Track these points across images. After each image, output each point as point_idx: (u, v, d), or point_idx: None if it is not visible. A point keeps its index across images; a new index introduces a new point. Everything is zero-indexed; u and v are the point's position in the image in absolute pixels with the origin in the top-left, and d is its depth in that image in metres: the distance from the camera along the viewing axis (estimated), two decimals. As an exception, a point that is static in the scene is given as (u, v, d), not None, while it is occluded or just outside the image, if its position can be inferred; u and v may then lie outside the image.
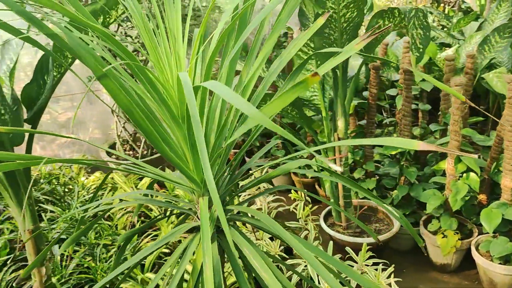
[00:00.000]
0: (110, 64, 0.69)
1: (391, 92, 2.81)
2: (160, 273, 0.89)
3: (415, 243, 2.34)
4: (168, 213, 1.45)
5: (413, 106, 2.66)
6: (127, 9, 0.86)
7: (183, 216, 0.98)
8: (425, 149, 0.57)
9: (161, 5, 0.81)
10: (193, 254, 0.87)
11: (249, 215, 0.89)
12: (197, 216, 0.87)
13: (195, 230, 0.89)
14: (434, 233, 2.13)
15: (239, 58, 1.16)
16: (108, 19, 1.39)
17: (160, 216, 1.44)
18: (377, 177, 2.56)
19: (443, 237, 2.07)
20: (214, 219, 0.77)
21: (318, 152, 2.99)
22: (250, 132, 0.96)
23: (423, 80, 2.73)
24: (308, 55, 1.09)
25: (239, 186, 2.47)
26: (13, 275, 1.84)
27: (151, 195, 2.14)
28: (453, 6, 5.15)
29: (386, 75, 3.06)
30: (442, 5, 5.17)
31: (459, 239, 2.05)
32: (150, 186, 1.25)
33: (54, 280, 1.75)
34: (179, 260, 0.91)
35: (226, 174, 0.91)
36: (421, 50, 1.95)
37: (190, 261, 0.84)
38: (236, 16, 0.68)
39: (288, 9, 0.82)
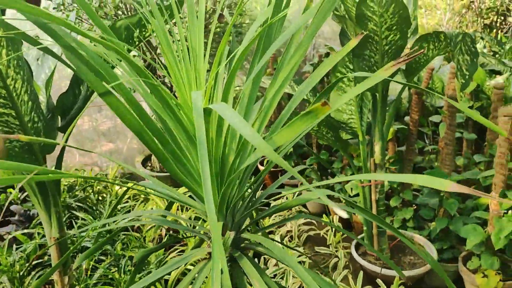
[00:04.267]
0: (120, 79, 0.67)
1: (435, 118, 2.69)
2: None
3: (453, 280, 2.19)
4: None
5: (458, 135, 2.53)
6: (147, 22, 0.84)
7: (200, 239, 0.94)
8: (457, 191, 0.51)
9: (185, 20, 0.79)
10: (206, 277, 0.84)
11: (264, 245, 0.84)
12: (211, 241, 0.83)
13: (209, 255, 0.85)
14: (474, 271, 1.98)
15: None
16: (144, 32, 1.40)
17: (184, 235, 1.41)
18: (415, 207, 2.44)
19: (483, 277, 1.92)
20: (228, 248, 0.73)
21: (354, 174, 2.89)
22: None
23: (470, 107, 2.60)
24: (340, 77, 1.04)
25: (271, 206, 2.41)
26: (38, 281, 1.86)
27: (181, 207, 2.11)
28: (506, 32, 4.94)
29: (430, 101, 2.94)
30: (494, 30, 4.97)
31: (501, 280, 1.89)
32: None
33: (77, 289, 1.76)
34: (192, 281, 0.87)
35: (244, 198, 0.87)
36: (467, 77, 1.85)
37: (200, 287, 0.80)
38: (258, 33, 0.65)
39: (311, 30, 0.77)
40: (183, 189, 2.83)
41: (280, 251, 0.71)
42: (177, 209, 2.69)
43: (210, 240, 0.85)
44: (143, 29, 1.38)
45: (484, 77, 2.65)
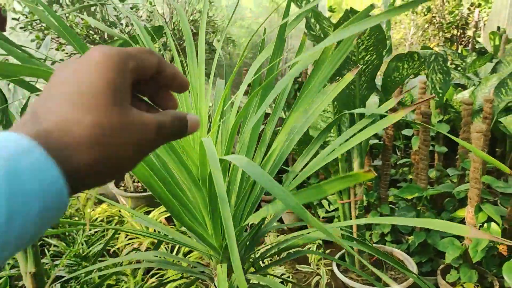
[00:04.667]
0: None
1: (406, 132, 2.76)
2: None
3: (431, 293, 2.23)
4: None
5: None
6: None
7: (193, 278, 0.91)
8: (476, 237, 0.51)
9: (183, 54, 0.77)
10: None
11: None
12: (214, 284, 0.81)
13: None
14: (453, 284, 2.02)
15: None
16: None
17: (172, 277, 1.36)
18: (392, 220, 2.47)
19: (462, 289, 1.97)
20: (232, 289, 0.71)
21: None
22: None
23: (440, 121, 2.68)
24: (329, 123, 1.04)
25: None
26: (12, 317, 1.77)
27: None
28: (465, 46, 5.15)
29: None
30: (455, 44, 5.17)
31: (479, 292, 1.94)
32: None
33: (54, 323, 1.68)
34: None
35: (246, 239, 0.85)
36: (440, 95, 1.90)
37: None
38: (258, 88, 0.64)
39: (320, 79, 0.77)
40: (157, 211, 2.77)
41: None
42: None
43: (213, 282, 0.82)
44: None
45: (452, 91, 2.74)
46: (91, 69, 0.32)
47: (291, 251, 1.09)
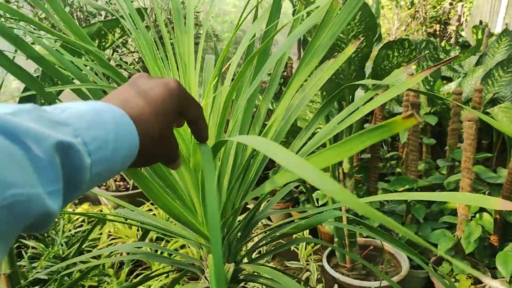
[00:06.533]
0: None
1: (394, 125, 2.72)
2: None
3: (424, 285, 2.20)
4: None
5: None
6: (129, 32, 0.74)
7: (182, 272, 0.83)
8: (505, 209, 0.46)
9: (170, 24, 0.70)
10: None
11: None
12: (205, 277, 0.73)
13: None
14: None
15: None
16: (104, 43, 1.28)
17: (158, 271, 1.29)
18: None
19: (455, 282, 1.93)
20: (227, 280, 0.64)
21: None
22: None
23: (428, 113, 2.65)
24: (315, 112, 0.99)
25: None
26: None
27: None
28: (448, 40, 5.17)
29: (388, 107, 2.97)
30: (438, 39, 5.19)
31: (472, 284, 1.91)
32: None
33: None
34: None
35: (239, 227, 0.78)
36: (431, 83, 1.86)
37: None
38: (254, 52, 0.57)
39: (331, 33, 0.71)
40: (140, 209, 2.67)
41: (290, 282, 0.63)
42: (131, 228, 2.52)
43: (204, 274, 0.75)
44: (103, 39, 1.27)
45: (440, 83, 2.72)
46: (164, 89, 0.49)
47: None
